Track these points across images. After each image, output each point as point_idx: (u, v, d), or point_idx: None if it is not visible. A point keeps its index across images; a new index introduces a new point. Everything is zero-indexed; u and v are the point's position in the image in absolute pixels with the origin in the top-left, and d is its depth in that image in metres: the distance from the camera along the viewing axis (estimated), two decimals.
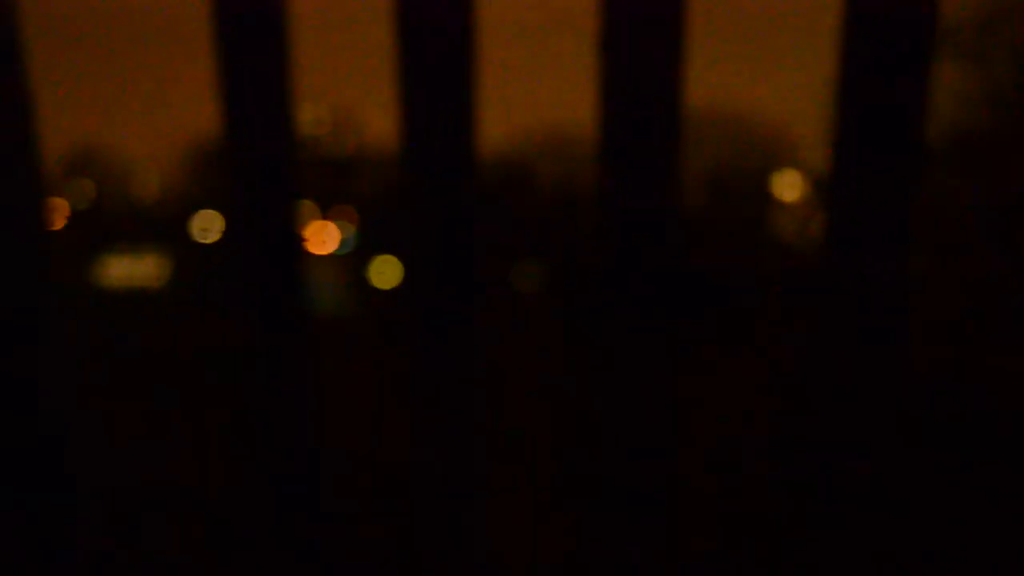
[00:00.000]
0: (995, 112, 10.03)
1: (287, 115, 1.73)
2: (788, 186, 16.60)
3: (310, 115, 18.82)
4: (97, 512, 1.75)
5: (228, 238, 1.78)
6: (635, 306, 1.69)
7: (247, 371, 1.75)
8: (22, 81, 1.71)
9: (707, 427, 3.87)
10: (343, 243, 18.46)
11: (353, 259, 17.70)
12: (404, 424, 1.69)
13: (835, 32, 1.68)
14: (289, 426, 1.75)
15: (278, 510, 1.76)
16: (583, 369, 1.68)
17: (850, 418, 1.68)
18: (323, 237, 17.99)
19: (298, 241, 1.76)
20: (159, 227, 18.27)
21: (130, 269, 17.82)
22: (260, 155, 1.72)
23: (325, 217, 18.35)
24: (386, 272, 16.71)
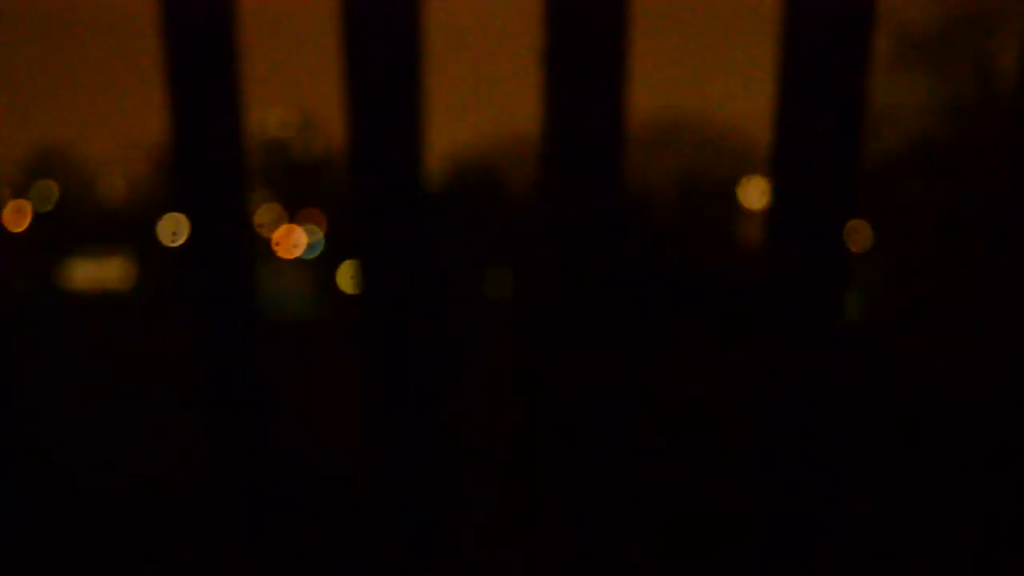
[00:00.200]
0: (958, 121, 10.12)
1: (236, 117, 1.72)
2: (756, 192, 16.65)
3: (277, 118, 18.75)
4: (71, 510, 1.75)
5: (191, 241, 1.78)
6: (585, 308, 1.70)
7: (203, 372, 1.75)
8: None
9: (669, 425, 3.87)
10: (311, 247, 18.38)
11: (321, 263, 17.62)
12: (363, 430, 1.69)
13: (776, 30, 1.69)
14: (248, 428, 1.75)
15: (242, 510, 1.76)
16: (545, 372, 1.68)
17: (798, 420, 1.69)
18: (291, 241, 17.92)
19: (250, 243, 1.76)
20: (125, 229, 18.14)
21: (96, 272, 17.71)
22: (209, 158, 1.72)
23: (293, 221, 18.27)
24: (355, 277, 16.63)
